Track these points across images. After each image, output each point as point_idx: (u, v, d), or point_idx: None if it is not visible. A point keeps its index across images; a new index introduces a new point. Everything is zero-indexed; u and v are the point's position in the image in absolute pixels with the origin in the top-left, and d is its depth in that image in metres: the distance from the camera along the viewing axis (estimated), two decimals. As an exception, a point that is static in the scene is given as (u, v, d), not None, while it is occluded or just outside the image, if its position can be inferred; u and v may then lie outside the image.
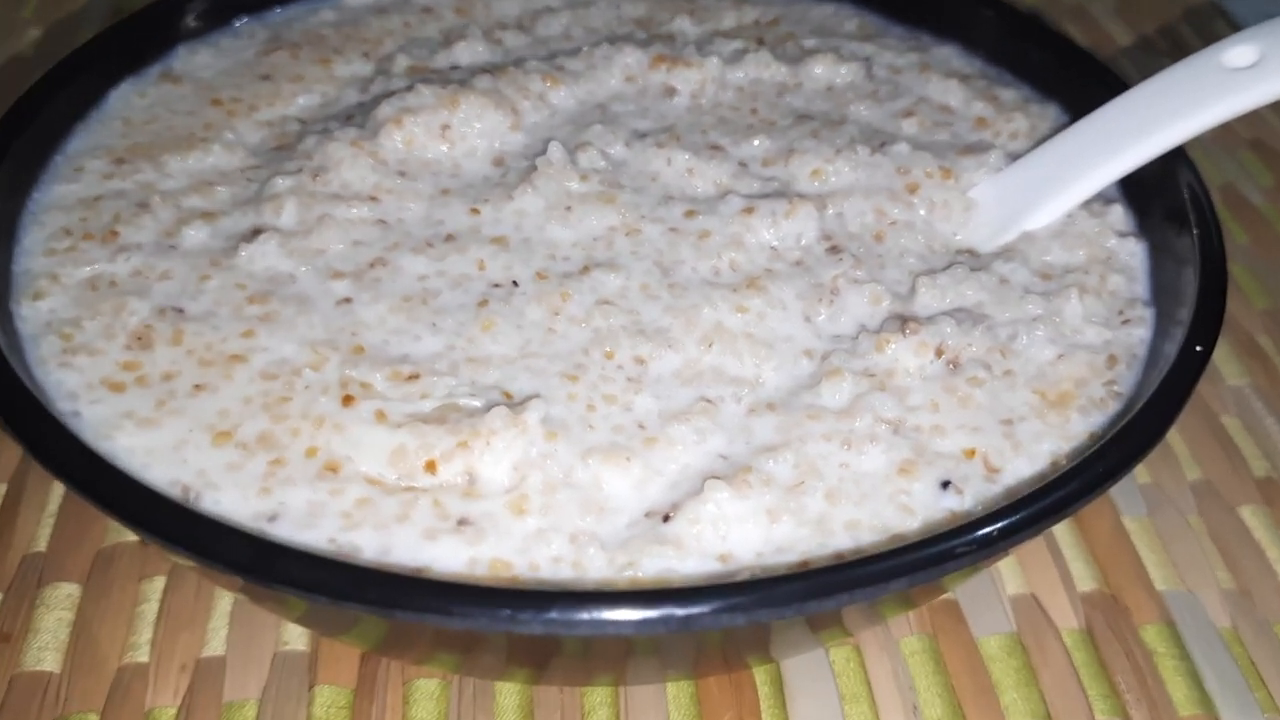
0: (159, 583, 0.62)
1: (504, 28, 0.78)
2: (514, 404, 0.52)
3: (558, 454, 0.51)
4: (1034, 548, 0.66)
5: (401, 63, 0.73)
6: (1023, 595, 0.64)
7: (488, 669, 0.53)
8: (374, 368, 0.54)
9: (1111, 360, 0.56)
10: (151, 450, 0.50)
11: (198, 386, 0.53)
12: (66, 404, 0.52)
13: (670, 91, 0.73)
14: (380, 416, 0.52)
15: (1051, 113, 0.72)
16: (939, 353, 0.56)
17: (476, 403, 0.53)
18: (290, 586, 0.40)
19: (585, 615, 0.40)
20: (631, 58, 0.73)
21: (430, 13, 0.80)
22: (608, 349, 0.56)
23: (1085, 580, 0.65)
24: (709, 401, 0.54)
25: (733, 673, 0.58)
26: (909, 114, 0.71)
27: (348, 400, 0.52)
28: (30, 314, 0.56)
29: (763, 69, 0.74)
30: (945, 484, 0.50)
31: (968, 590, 0.64)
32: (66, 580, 0.62)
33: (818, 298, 0.59)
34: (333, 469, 0.50)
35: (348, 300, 0.58)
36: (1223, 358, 0.80)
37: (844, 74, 0.74)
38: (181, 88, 0.72)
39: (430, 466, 0.50)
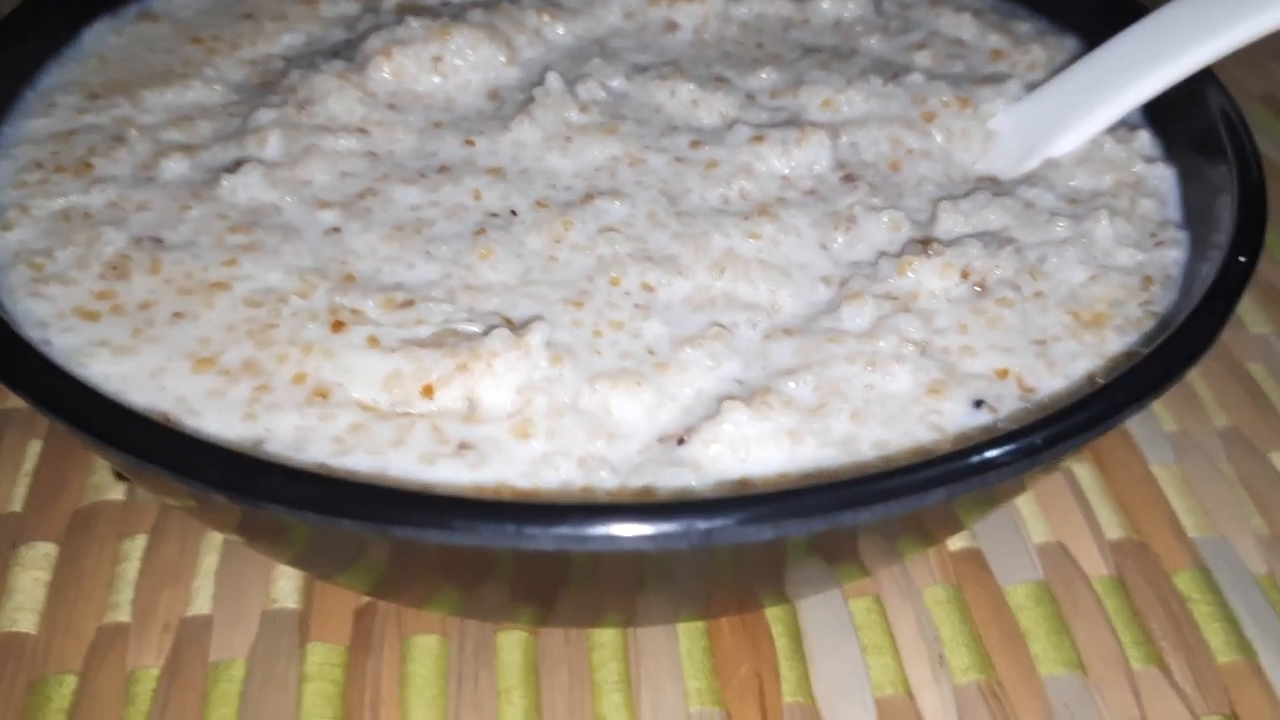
0: (140, 541, 0.59)
1: (497, -31, 0.75)
2: (516, 327, 0.49)
3: (563, 378, 0.48)
4: (1059, 495, 0.63)
5: (390, 1, 0.70)
6: (1049, 544, 0.61)
7: (491, 607, 0.49)
8: (365, 295, 0.51)
9: (1146, 281, 0.54)
10: (127, 378, 0.47)
11: (177, 314, 0.50)
12: (36, 332, 0.48)
13: (671, 26, 0.70)
14: (372, 342, 0.48)
15: (1069, 44, 0.69)
16: (964, 274, 0.53)
17: (475, 328, 0.49)
18: (285, 505, 0.37)
19: (601, 529, 0.36)
20: (631, -7, 0.70)
21: (420, -45, 0.77)
22: (613, 275, 0.53)
23: (1113, 528, 0.62)
24: (723, 327, 0.51)
25: (746, 612, 0.55)
26: (921, 47, 0.69)
27: (338, 326, 0.49)
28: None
29: (767, 4, 0.71)
30: (978, 403, 0.47)
31: (992, 538, 0.61)
32: (43, 540, 0.59)
33: (834, 225, 0.56)
34: (322, 395, 0.47)
35: (336, 230, 0.55)
36: (1246, 306, 0.77)
37: (851, 8, 0.71)
38: (160, 26, 0.69)
39: (427, 391, 0.47)
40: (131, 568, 0.57)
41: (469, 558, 0.42)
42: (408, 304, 0.51)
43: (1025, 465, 0.40)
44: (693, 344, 0.49)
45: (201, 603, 0.56)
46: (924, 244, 0.54)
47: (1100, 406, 0.41)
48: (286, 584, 0.56)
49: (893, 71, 0.65)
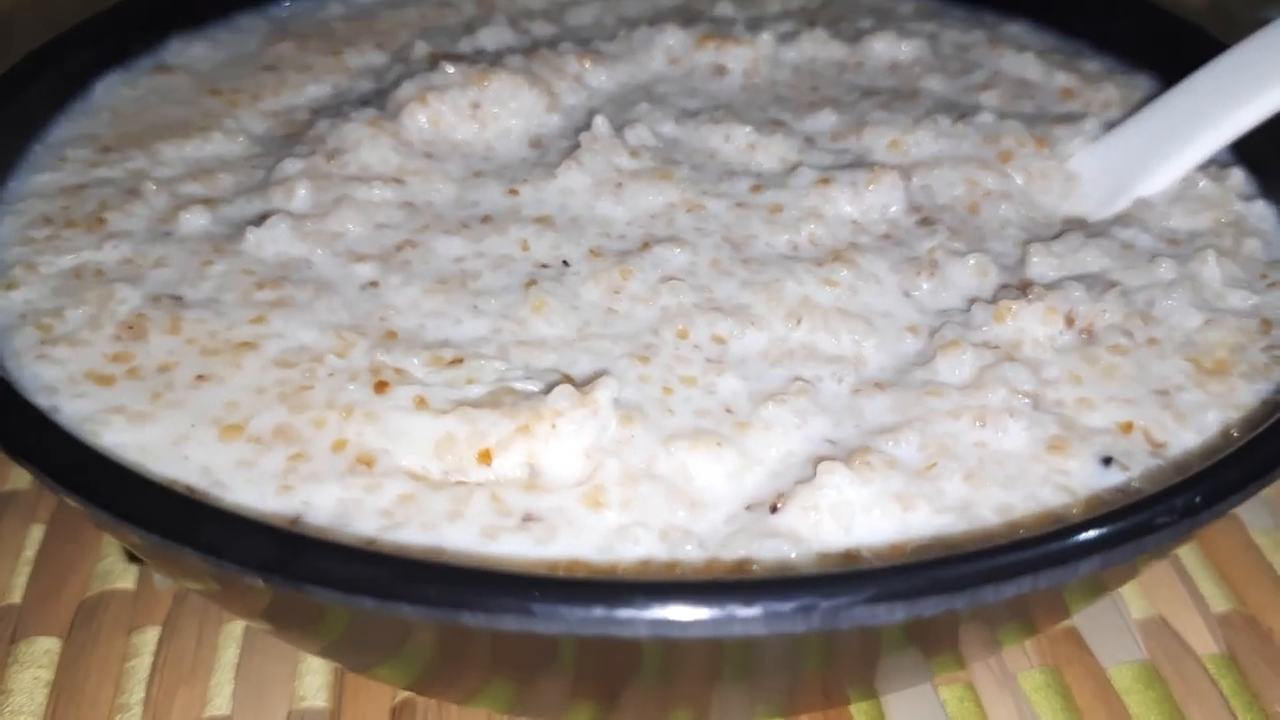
0: (152, 634, 0.54)
1: (530, 17, 0.71)
2: (578, 385, 0.44)
3: (635, 440, 0.42)
4: (1157, 566, 0.58)
5: (421, 49, 0.66)
6: (1151, 619, 0.56)
7: (548, 703, 0.43)
8: (409, 352, 0.46)
9: (1266, 325, 0.49)
10: (146, 447, 0.42)
11: (200, 377, 0.45)
12: (44, 399, 0.43)
13: (720, 71, 0.66)
14: (421, 403, 0.43)
15: (1142, 82, 0.65)
16: (1069, 320, 0.48)
17: (534, 386, 0.44)
18: (338, 589, 0.32)
19: (709, 612, 0.31)
20: (674, 38, 0.67)
21: (448, 5, 0.73)
22: (680, 327, 0.48)
23: (1218, 600, 0.57)
24: (805, 382, 0.46)
25: (831, 708, 0.49)
26: (986, 87, 0.65)
27: (381, 387, 0.44)
28: (3, 304, 0.48)
29: (819, 47, 0.67)
30: (1107, 460, 0.42)
31: (1087, 614, 0.55)
32: (45, 634, 0.54)
33: (915, 270, 0.51)
34: (366, 463, 0.41)
35: (374, 284, 0.50)
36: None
37: (907, 50, 0.68)
38: (176, 78, 0.65)
39: (484, 456, 0.41)
40: (143, 664, 0.52)
41: (531, 645, 0.36)
42: (457, 361, 0.46)
43: (1194, 524, 0.34)
44: (774, 400, 0.44)
45: (221, 702, 0.51)
46: (1022, 288, 0.49)
47: (1262, 457, 0.36)
48: (315, 679, 0.51)
49: (960, 111, 0.61)
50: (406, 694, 0.50)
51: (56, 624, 0.54)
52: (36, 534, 0.59)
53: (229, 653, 0.52)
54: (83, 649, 0.53)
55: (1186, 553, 0.59)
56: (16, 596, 0.56)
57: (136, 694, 0.51)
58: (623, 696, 0.42)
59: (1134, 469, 0.42)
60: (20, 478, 0.61)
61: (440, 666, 0.41)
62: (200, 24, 0.68)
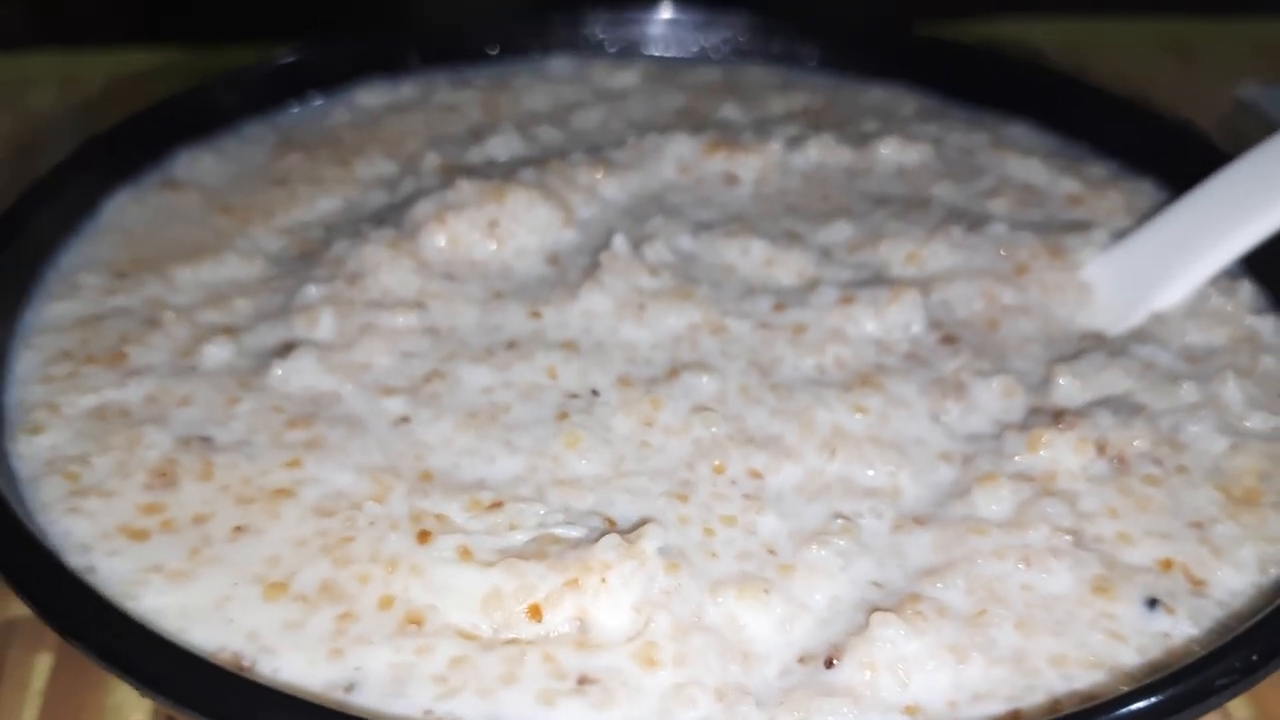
0: (168, 771, 0.52)
1: (536, 123, 0.72)
2: (623, 531, 0.44)
3: (682, 590, 0.42)
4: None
5: (431, 160, 0.66)
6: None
7: None
8: (447, 496, 0.45)
9: (1290, 449, 0.49)
10: (188, 610, 0.41)
11: (238, 529, 0.44)
12: (79, 558, 0.42)
13: (731, 180, 0.66)
14: (465, 554, 0.43)
15: (1146, 188, 0.66)
16: (1101, 449, 0.48)
17: (576, 532, 0.44)
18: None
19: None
20: (684, 146, 0.67)
21: (454, 110, 0.73)
22: (716, 462, 0.48)
23: (1239, 707, 0.57)
24: (846, 519, 0.46)
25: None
26: (994, 194, 0.65)
27: (423, 537, 0.44)
28: (28, 451, 0.47)
29: (827, 152, 0.68)
30: (1152, 602, 0.42)
31: None
32: (59, 775, 0.52)
33: (942, 393, 0.52)
34: (415, 621, 0.41)
35: (405, 419, 0.49)
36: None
37: (914, 155, 0.68)
38: (185, 195, 0.64)
39: (534, 612, 0.41)
40: (162, 805, 0.51)
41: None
42: (496, 505, 0.45)
43: (1246, 683, 0.35)
44: (817, 541, 0.44)
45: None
46: (1055, 415, 0.50)
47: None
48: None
49: (972, 220, 0.62)
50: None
51: (70, 765, 0.53)
52: (44, 663, 0.57)
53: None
54: (100, 790, 0.51)
55: (1236, 709, 0.58)
56: (28, 733, 0.54)
57: (157, 838, 0.50)
58: None
59: (1179, 611, 0.42)
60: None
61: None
62: (207, 135, 0.68)
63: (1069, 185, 0.66)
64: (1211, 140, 0.64)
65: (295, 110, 0.72)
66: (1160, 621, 0.42)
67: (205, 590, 0.42)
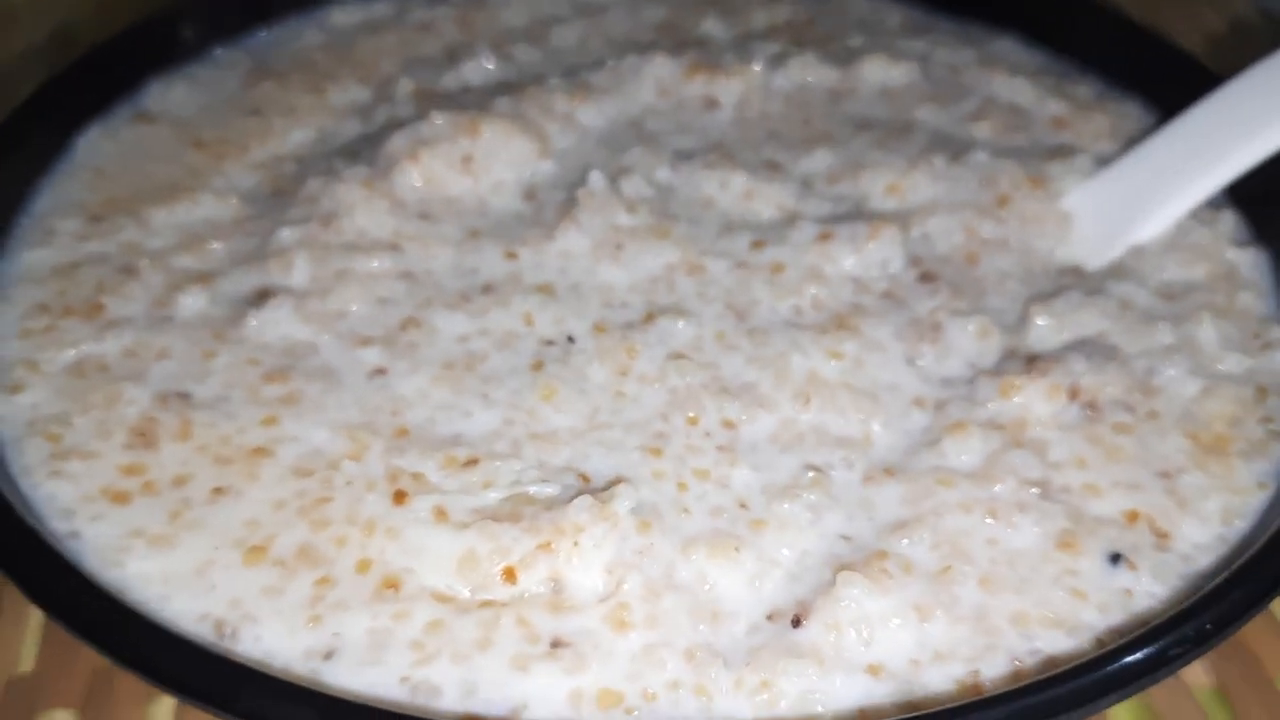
0: (167, 704, 0.54)
1: (513, 41, 0.70)
2: (596, 490, 0.44)
3: (654, 549, 0.43)
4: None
5: (405, 86, 0.65)
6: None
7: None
8: (424, 453, 0.46)
9: (1261, 392, 0.50)
10: (170, 576, 0.42)
11: (217, 490, 0.45)
12: (62, 523, 0.43)
13: (711, 104, 0.65)
14: (440, 515, 0.44)
15: (1133, 110, 0.65)
16: (1073, 394, 0.49)
17: (550, 489, 0.45)
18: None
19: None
20: (664, 69, 0.65)
21: (428, 29, 0.71)
22: (690, 413, 0.48)
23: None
24: (817, 470, 0.46)
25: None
26: (978, 117, 0.64)
27: (399, 497, 0.44)
28: (9, 412, 0.47)
29: (809, 73, 0.66)
30: (1115, 558, 0.43)
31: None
32: (61, 706, 0.53)
33: (918, 335, 0.52)
34: (392, 585, 0.42)
35: (381, 371, 0.50)
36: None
37: (898, 75, 0.67)
38: (158, 128, 0.63)
39: (509, 574, 0.42)
40: (165, 734, 0.52)
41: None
42: (471, 462, 0.46)
43: (1204, 650, 0.36)
44: (787, 494, 0.45)
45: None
46: (1027, 360, 0.50)
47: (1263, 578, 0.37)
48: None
49: (954, 149, 0.61)
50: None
51: (72, 694, 0.54)
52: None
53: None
54: (100, 720, 0.53)
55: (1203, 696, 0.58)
56: (28, 665, 0.56)
57: (162, 768, 0.51)
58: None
59: (1142, 567, 0.43)
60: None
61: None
62: (178, 62, 0.66)
63: (1055, 107, 0.65)
64: (1193, 57, 0.63)
65: (268, 32, 0.70)
66: (1122, 578, 0.43)
67: (187, 555, 0.42)
